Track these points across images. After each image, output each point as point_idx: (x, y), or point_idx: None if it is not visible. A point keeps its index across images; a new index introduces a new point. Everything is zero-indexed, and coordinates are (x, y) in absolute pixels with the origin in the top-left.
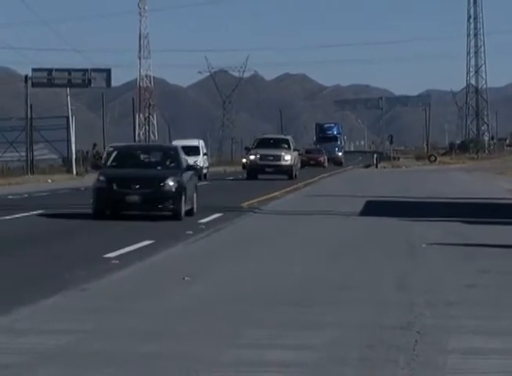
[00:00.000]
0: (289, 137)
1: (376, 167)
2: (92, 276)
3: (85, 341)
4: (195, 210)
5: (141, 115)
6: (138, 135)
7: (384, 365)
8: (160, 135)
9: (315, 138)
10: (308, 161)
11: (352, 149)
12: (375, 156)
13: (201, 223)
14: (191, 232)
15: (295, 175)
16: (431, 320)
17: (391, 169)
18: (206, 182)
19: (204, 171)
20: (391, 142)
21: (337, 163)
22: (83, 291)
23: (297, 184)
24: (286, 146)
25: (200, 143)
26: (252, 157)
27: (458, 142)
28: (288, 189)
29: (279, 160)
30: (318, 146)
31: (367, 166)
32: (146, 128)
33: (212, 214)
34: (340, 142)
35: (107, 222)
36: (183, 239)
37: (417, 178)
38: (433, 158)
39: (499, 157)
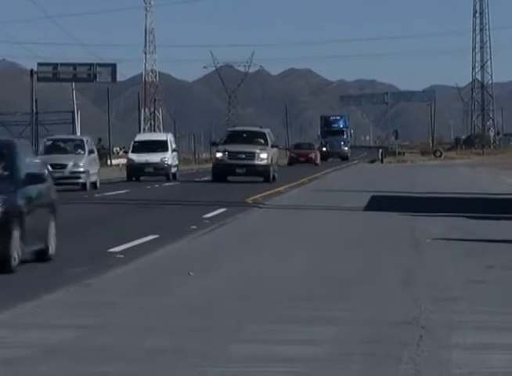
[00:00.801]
0: (266, 130)
1: (382, 162)
2: (97, 270)
3: (89, 336)
4: (51, 251)
5: (146, 110)
6: (144, 129)
7: (389, 360)
8: (165, 129)
9: (319, 131)
10: (298, 158)
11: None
12: (380, 151)
13: (205, 218)
14: (195, 227)
15: (273, 176)
16: (436, 316)
17: (397, 164)
18: (173, 183)
19: (173, 170)
20: (397, 138)
21: (342, 158)
22: (87, 285)
23: (302, 179)
24: (262, 141)
25: (169, 138)
26: (219, 155)
27: (463, 137)
28: (293, 184)
29: (253, 158)
30: (323, 140)
31: (372, 161)
32: (151, 123)
33: (217, 209)
34: (347, 136)
35: (111, 217)
36: (188, 233)
37: (422, 174)
38: (438, 153)
39: (504, 153)
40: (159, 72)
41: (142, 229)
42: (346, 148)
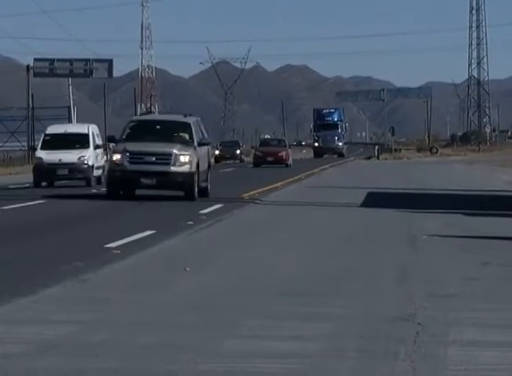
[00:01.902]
0: (192, 120)
1: (378, 158)
2: (93, 266)
3: (85, 332)
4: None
5: (142, 106)
6: None
7: (385, 357)
8: None
9: (312, 125)
10: (264, 157)
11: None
12: (376, 147)
13: (202, 214)
14: (192, 222)
15: (202, 190)
16: (432, 312)
17: (393, 161)
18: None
19: (97, 172)
20: (393, 134)
21: (337, 154)
22: (83, 281)
23: (299, 175)
24: (185, 137)
25: (91, 130)
26: (117, 158)
27: (459, 134)
28: (289, 180)
29: (168, 163)
30: (315, 134)
31: (368, 158)
32: None
33: (213, 205)
34: (342, 130)
35: (108, 212)
36: (184, 229)
37: (418, 170)
38: (434, 150)
39: (500, 149)
40: (155, 68)
41: (138, 224)
42: (340, 143)
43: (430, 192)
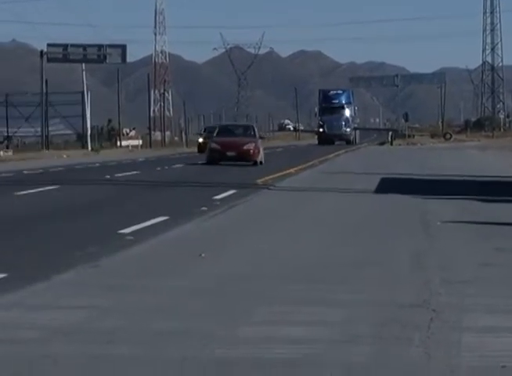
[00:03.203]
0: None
1: (391, 144)
2: (106, 252)
3: (99, 318)
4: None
5: (156, 91)
6: (153, 111)
7: (399, 342)
8: (175, 111)
9: (317, 109)
10: (223, 152)
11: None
12: (390, 133)
13: (216, 200)
14: (206, 208)
15: (261, 162)
16: (447, 298)
17: (406, 146)
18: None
19: None
20: (407, 120)
21: (345, 141)
22: (97, 267)
23: (313, 161)
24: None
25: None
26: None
27: (473, 120)
28: (303, 166)
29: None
30: (320, 118)
31: (382, 143)
32: (161, 105)
33: (227, 190)
34: (350, 115)
35: (121, 198)
36: (198, 215)
37: (432, 156)
38: (448, 136)
39: None
40: (169, 53)
41: (151, 210)
42: (348, 129)
43: (444, 178)
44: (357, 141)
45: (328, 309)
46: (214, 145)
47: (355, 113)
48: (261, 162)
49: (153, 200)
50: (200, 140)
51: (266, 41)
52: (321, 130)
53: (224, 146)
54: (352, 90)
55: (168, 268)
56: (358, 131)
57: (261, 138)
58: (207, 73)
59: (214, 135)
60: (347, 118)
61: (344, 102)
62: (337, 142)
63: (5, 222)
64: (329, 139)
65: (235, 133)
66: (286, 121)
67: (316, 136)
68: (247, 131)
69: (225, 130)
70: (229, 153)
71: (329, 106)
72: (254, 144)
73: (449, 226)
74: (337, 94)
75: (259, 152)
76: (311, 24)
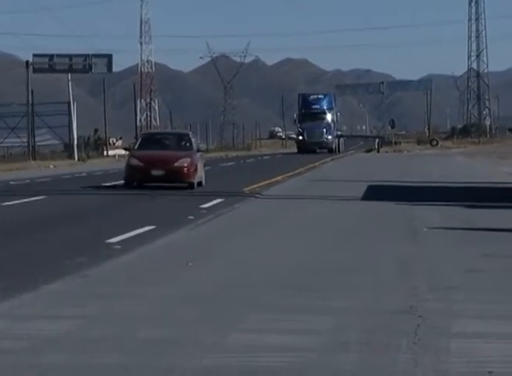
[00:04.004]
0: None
1: (378, 151)
2: (95, 261)
3: (87, 327)
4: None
5: (142, 101)
6: (140, 120)
7: (386, 349)
8: (161, 120)
9: (295, 115)
10: (147, 171)
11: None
12: (377, 140)
13: (203, 208)
14: (192, 217)
15: (199, 183)
16: (434, 304)
17: (393, 154)
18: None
19: None
20: (393, 127)
21: (327, 150)
22: (85, 276)
23: (299, 169)
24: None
25: None
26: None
27: (460, 126)
28: (290, 174)
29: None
30: (299, 125)
31: (369, 151)
32: (147, 114)
33: (214, 199)
34: (333, 121)
35: (108, 208)
36: (185, 224)
37: (419, 163)
38: (434, 142)
39: (500, 142)
40: (154, 62)
41: (139, 219)
42: (330, 137)
43: (430, 184)
44: (341, 149)
45: (315, 316)
46: (133, 161)
47: (337, 120)
48: (200, 183)
49: (140, 209)
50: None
51: (252, 49)
52: (300, 138)
53: (148, 163)
54: (334, 94)
55: (156, 276)
56: (342, 139)
57: (199, 151)
58: (193, 82)
59: (136, 146)
60: (328, 125)
61: (325, 107)
62: (318, 151)
63: None
64: (309, 148)
65: (164, 144)
66: (277, 129)
67: (296, 145)
68: (181, 141)
69: (151, 140)
70: (155, 172)
71: (309, 112)
72: (189, 159)
73: (436, 232)
74: (318, 99)
75: (196, 170)
76: (296, 32)
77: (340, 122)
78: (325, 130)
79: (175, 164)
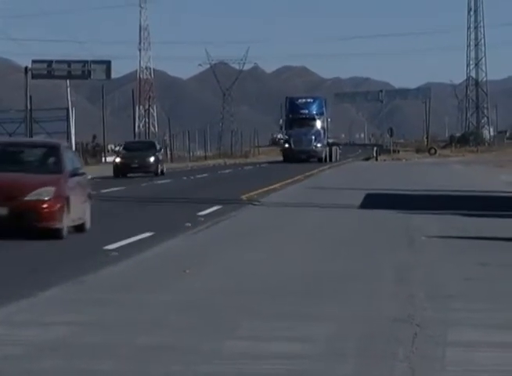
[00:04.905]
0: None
1: (376, 160)
2: (92, 267)
3: (84, 333)
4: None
5: (141, 107)
6: (138, 127)
7: (383, 357)
8: (160, 127)
9: (281, 120)
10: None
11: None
12: (375, 149)
13: (200, 216)
14: (190, 224)
15: None
16: (431, 313)
17: (391, 162)
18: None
19: None
20: (391, 135)
21: (316, 159)
22: (82, 283)
23: (297, 176)
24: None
25: None
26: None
27: (458, 134)
28: (288, 181)
29: None
30: (286, 132)
31: (367, 159)
32: (145, 120)
33: (211, 206)
34: (322, 127)
35: (106, 214)
36: (182, 231)
37: (417, 171)
38: (433, 151)
39: (499, 150)
40: (153, 69)
41: (137, 226)
42: (319, 145)
43: (428, 193)
44: (334, 159)
45: (312, 323)
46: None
47: (328, 126)
48: (80, 227)
49: (138, 216)
50: (118, 160)
51: (251, 56)
52: (286, 145)
53: None
54: (325, 98)
55: (153, 283)
56: (336, 148)
57: (75, 174)
58: (191, 89)
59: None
60: (318, 132)
61: (315, 112)
62: (311, 160)
63: None
64: (296, 157)
65: (13, 163)
66: (280, 136)
67: (281, 153)
68: (45, 157)
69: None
70: None
71: (297, 117)
72: (52, 189)
73: (434, 241)
74: (307, 103)
75: (68, 206)
76: (295, 40)
77: (331, 129)
78: (314, 137)
79: (26, 198)
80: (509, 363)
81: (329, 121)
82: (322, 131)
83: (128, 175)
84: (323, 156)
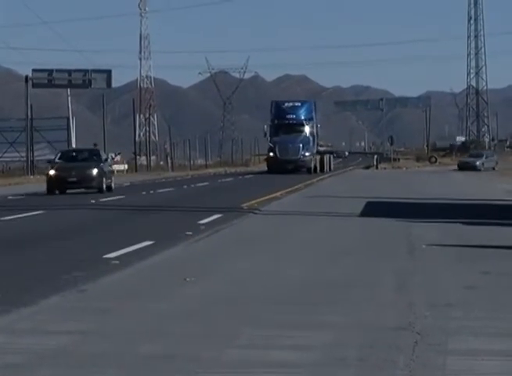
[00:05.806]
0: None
1: (377, 168)
2: (92, 276)
3: (85, 342)
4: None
5: (141, 116)
6: (139, 135)
7: (384, 366)
8: (160, 135)
9: (266, 126)
10: None
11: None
12: (375, 157)
13: (201, 224)
14: (191, 233)
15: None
16: (431, 321)
17: (392, 170)
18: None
19: None
20: (392, 143)
21: (305, 169)
22: (83, 291)
23: (298, 185)
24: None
25: None
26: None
27: (458, 143)
28: (288, 189)
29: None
30: (270, 139)
31: (367, 167)
32: (146, 129)
33: (212, 215)
34: (311, 134)
35: (106, 223)
36: (183, 240)
37: (417, 180)
38: (433, 159)
39: (499, 159)
40: (154, 78)
41: (137, 235)
42: (308, 153)
43: (429, 201)
44: (326, 169)
45: (312, 331)
46: None
47: (317, 133)
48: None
49: (138, 224)
50: (51, 173)
51: (251, 65)
52: (271, 154)
53: None
54: (315, 102)
55: (154, 292)
56: (329, 156)
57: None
58: (192, 97)
59: None
60: (306, 139)
61: (303, 117)
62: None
63: None
64: (281, 167)
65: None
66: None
67: (266, 162)
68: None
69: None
70: None
71: (283, 123)
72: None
73: (434, 249)
74: (294, 107)
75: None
76: (296, 48)
77: (329, 137)
78: (301, 145)
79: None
80: (510, 371)
81: (320, 126)
82: (311, 138)
83: (68, 190)
84: (312, 165)
